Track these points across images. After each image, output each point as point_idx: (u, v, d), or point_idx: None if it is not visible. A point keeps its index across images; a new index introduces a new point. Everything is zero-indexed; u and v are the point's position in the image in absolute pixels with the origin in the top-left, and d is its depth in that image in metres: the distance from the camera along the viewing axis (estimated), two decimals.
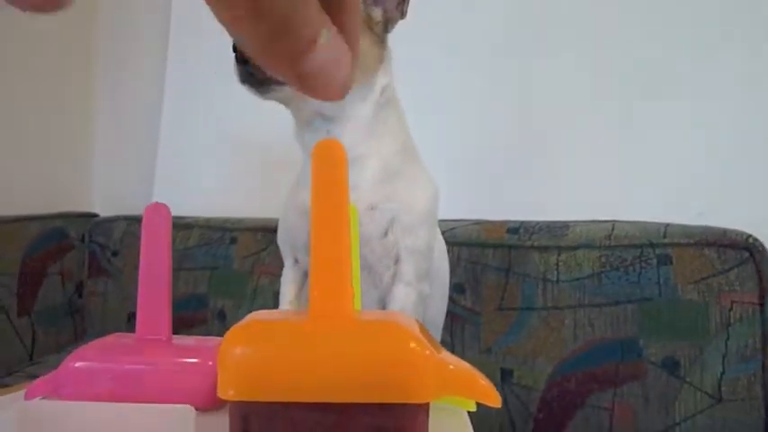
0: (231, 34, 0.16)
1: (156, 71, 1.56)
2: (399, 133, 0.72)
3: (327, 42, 0.17)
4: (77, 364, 0.35)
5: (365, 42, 0.65)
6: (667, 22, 1.14)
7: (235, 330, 0.30)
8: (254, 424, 0.30)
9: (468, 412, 0.45)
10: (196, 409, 0.33)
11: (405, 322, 0.31)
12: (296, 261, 0.75)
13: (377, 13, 0.67)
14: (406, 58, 0.78)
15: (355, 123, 0.68)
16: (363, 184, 0.67)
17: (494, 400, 0.32)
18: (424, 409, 0.31)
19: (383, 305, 0.70)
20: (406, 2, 0.69)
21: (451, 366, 0.31)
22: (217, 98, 1.40)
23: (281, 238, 0.77)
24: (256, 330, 0.31)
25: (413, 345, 0.29)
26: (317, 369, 0.30)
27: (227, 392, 0.29)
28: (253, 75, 0.61)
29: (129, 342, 0.37)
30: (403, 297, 0.68)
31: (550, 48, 1.20)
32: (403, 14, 0.69)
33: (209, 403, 0.36)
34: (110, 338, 0.38)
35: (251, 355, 0.29)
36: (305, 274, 0.73)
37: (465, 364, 0.33)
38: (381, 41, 0.69)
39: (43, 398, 0.38)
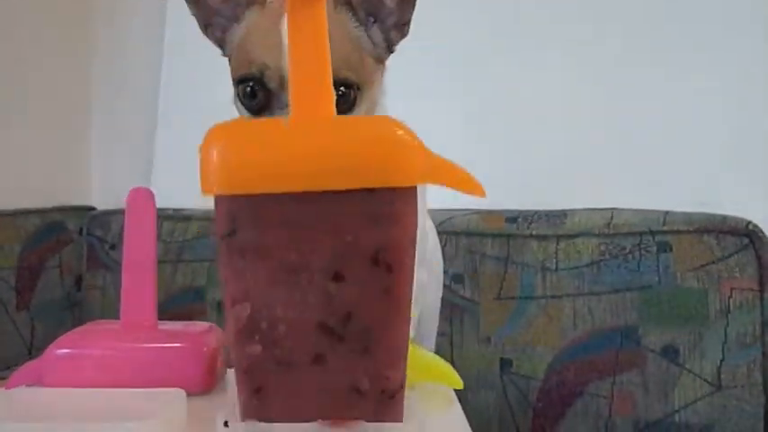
0: None
1: (153, 64, 1.55)
2: None
3: None
4: (60, 351, 0.35)
5: (376, 77, 0.63)
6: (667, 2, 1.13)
7: (215, 128, 0.29)
8: (242, 220, 0.29)
9: (468, 402, 0.46)
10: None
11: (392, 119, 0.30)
12: None
13: (378, 36, 0.65)
14: (407, 49, 0.77)
15: None
16: None
17: (478, 190, 0.31)
18: (412, 194, 0.30)
19: None
20: (408, 20, 0.65)
21: (437, 155, 0.31)
22: (214, 90, 1.39)
23: None
24: (239, 126, 0.29)
25: (400, 132, 0.28)
26: (304, 157, 0.28)
27: (211, 188, 0.28)
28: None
29: (113, 328, 0.37)
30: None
31: (546, 31, 1.19)
32: (404, 34, 0.66)
33: (196, 387, 0.35)
34: (93, 325, 0.37)
35: (235, 148, 0.28)
36: None
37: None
38: (383, 66, 0.66)
39: (28, 386, 0.37)
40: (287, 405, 0.31)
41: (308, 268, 0.29)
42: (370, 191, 0.28)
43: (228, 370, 0.39)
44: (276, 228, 0.29)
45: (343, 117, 0.30)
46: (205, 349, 0.35)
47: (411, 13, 0.63)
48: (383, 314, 0.30)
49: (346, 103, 0.55)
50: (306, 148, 0.28)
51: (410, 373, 0.33)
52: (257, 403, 0.31)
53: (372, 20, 0.64)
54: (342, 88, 0.55)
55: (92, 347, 0.36)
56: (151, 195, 0.37)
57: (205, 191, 0.27)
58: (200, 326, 0.38)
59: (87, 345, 0.36)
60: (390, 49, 0.66)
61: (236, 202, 0.28)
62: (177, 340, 0.36)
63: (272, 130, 0.29)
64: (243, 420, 0.31)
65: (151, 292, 0.36)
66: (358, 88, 0.57)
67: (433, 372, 0.37)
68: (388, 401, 0.31)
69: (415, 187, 0.30)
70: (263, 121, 0.30)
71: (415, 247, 0.31)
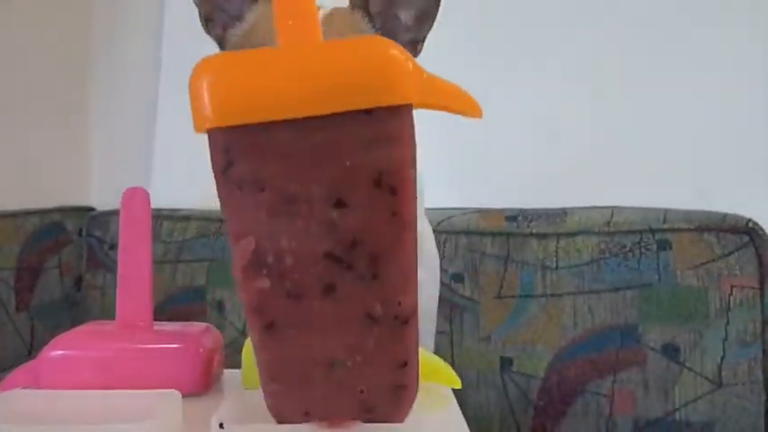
0: None
1: (153, 64, 1.55)
2: None
3: None
4: (55, 353, 0.35)
5: None
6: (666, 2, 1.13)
7: (203, 61, 0.28)
8: (238, 153, 0.28)
9: (469, 401, 0.46)
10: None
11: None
12: None
13: None
14: None
15: None
16: None
17: (475, 110, 0.31)
18: (409, 112, 0.29)
19: None
20: (423, 38, 0.63)
21: (432, 74, 0.30)
22: None
23: None
24: (227, 57, 0.29)
25: (393, 50, 0.28)
26: (296, 81, 0.28)
27: (203, 123, 0.27)
28: None
29: (108, 329, 0.36)
30: None
31: (545, 30, 1.19)
32: (417, 53, 0.64)
33: (191, 388, 0.35)
34: (89, 326, 0.37)
35: (225, 78, 0.27)
36: None
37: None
38: None
39: (23, 388, 0.37)
40: (300, 340, 0.31)
41: (309, 197, 0.29)
42: (367, 112, 0.28)
43: (225, 371, 0.39)
44: (273, 157, 0.28)
45: (333, 40, 0.29)
46: (201, 350, 0.34)
47: (427, 32, 0.61)
48: (389, 238, 0.30)
49: None
50: (297, 72, 0.27)
51: None
52: (270, 339, 0.31)
53: (386, 31, 0.62)
54: None
55: (87, 349, 0.36)
56: (146, 195, 0.37)
57: (198, 128, 0.27)
58: (196, 326, 0.38)
59: (82, 346, 0.35)
60: None
61: (231, 134, 0.27)
62: (173, 341, 0.35)
63: (261, 58, 0.28)
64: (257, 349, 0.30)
65: (146, 293, 0.36)
66: None
67: (431, 371, 0.37)
68: (401, 327, 0.31)
69: (411, 105, 0.29)
70: (252, 50, 0.29)
71: (416, 169, 0.30)
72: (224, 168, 0.28)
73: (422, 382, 0.33)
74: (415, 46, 0.62)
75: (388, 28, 0.61)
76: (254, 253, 0.29)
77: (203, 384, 0.30)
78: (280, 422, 0.32)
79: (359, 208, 0.29)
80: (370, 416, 0.32)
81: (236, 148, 0.28)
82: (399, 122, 0.29)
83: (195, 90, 0.27)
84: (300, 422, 0.32)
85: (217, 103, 0.27)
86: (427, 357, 0.37)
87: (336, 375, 0.31)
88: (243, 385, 0.40)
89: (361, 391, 0.32)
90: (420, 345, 0.32)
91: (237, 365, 0.41)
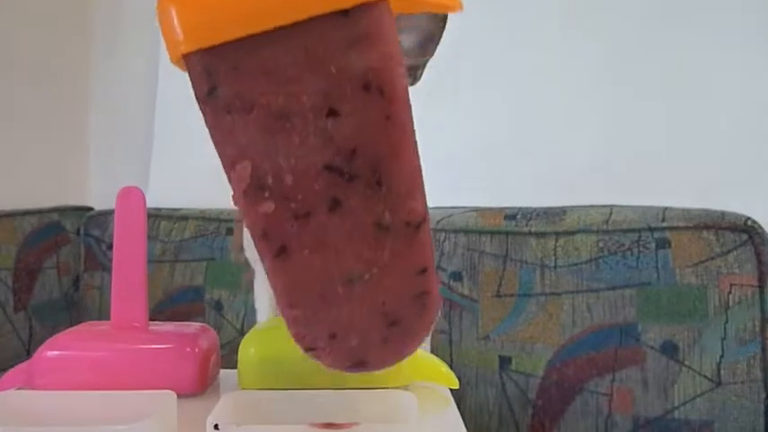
0: None
1: (151, 64, 1.55)
2: None
3: None
4: (50, 353, 0.34)
5: None
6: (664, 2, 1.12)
7: None
8: (220, 74, 0.27)
9: (467, 400, 0.46)
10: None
11: None
12: None
13: None
14: None
15: None
16: None
17: (455, 4, 0.30)
18: (386, 9, 0.29)
19: None
20: (422, 67, 0.59)
21: None
22: None
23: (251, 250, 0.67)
24: None
25: None
26: None
27: (177, 50, 0.26)
28: None
29: (103, 329, 0.36)
30: None
31: (544, 29, 1.19)
32: (416, 79, 0.60)
33: (187, 389, 0.35)
34: (84, 326, 0.37)
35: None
36: None
37: None
38: None
39: (18, 389, 0.37)
40: (314, 260, 0.30)
41: (301, 110, 0.28)
42: (343, 13, 0.27)
43: (222, 371, 0.39)
44: (257, 75, 0.27)
45: None
46: (197, 350, 0.34)
47: (430, 56, 0.57)
48: (387, 143, 0.29)
49: None
50: None
51: (405, 373, 0.32)
52: (283, 265, 0.30)
53: None
54: None
55: (82, 349, 0.35)
56: (141, 195, 0.37)
57: (173, 56, 0.26)
58: (192, 327, 0.38)
59: (77, 347, 0.35)
60: None
61: (209, 56, 0.27)
62: (168, 341, 0.35)
63: None
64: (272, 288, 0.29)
65: (142, 293, 0.36)
66: None
67: (429, 371, 0.37)
68: (414, 233, 0.30)
69: (387, 2, 0.29)
70: None
71: (404, 68, 0.29)
72: (208, 93, 0.28)
73: (419, 382, 0.33)
74: (415, 72, 0.58)
75: None
76: (252, 176, 0.28)
77: (199, 385, 0.30)
78: (307, 350, 0.31)
79: (352, 115, 0.28)
80: (397, 330, 0.31)
81: (217, 69, 0.27)
82: (377, 20, 0.28)
83: (164, 16, 0.26)
84: (327, 347, 0.31)
85: (189, 25, 0.26)
86: (424, 357, 0.37)
87: (356, 291, 0.31)
88: (239, 386, 0.39)
89: (384, 303, 0.31)
90: None
91: (235, 365, 0.41)
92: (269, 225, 0.29)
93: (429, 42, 0.56)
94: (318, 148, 0.29)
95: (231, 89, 0.28)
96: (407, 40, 0.56)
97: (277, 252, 0.30)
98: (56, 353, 0.35)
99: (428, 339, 0.70)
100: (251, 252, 0.68)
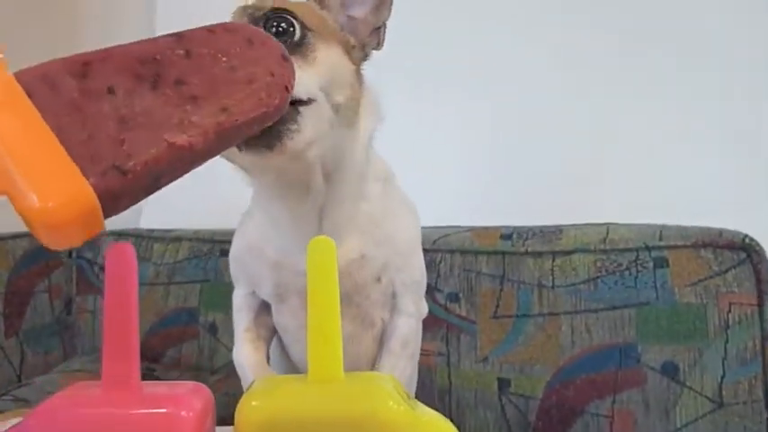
0: None
1: None
2: (382, 168, 0.63)
3: None
4: (40, 419, 0.33)
5: (346, 69, 0.57)
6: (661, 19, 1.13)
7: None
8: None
9: (467, 423, 0.45)
10: None
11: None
12: (253, 292, 0.66)
13: (352, 39, 0.59)
14: (401, 64, 0.75)
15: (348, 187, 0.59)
16: (351, 236, 0.61)
17: None
18: None
19: (379, 342, 0.66)
20: (383, 30, 0.60)
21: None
22: None
23: (237, 270, 0.67)
24: None
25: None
26: None
27: None
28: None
29: (95, 392, 0.35)
30: (405, 329, 0.65)
31: (540, 46, 1.19)
32: (379, 44, 0.61)
33: None
34: (74, 389, 0.36)
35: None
36: (262, 303, 0.66)
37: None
38: (359, 71, 0.60)
39: None
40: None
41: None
42: None
43: (217, 428, 0.38)
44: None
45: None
46: (191, 414, 0.33)
47: (387, 17, 0.60)
48: None
49: (288, 36, 0.51)
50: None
51: None
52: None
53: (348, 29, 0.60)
54: (282, 24, 0.51)
55: (72, 413, 0.34)
56: (131, 251, 0.35)
57: None
58: (185, 387, 0.37)
59: (67, 411, 0.34)
60: (364, 57, 0.62)
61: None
62: (161, 405, 0.34)
63: None
64: None
65: (134, 353, 0.35)
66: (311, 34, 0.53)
67: (432, 430, 0.35)
68: None
69: None
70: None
71: None
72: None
73: None
74: (377, 33, 0.61)
75: (348, 26, 0.60)
76: None
77: None
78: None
79: None
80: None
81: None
82: None
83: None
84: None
85: None
86: (429, 416, 0.36)
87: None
88: None
89: None
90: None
91: (230, 390, 0.39)
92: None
93: (382, 5, 0.59)
94: None
95: None
96: (361, 11, 0.59)
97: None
98: (47, 417, 0.34)
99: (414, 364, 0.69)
100: (238, 275, 0.68)
